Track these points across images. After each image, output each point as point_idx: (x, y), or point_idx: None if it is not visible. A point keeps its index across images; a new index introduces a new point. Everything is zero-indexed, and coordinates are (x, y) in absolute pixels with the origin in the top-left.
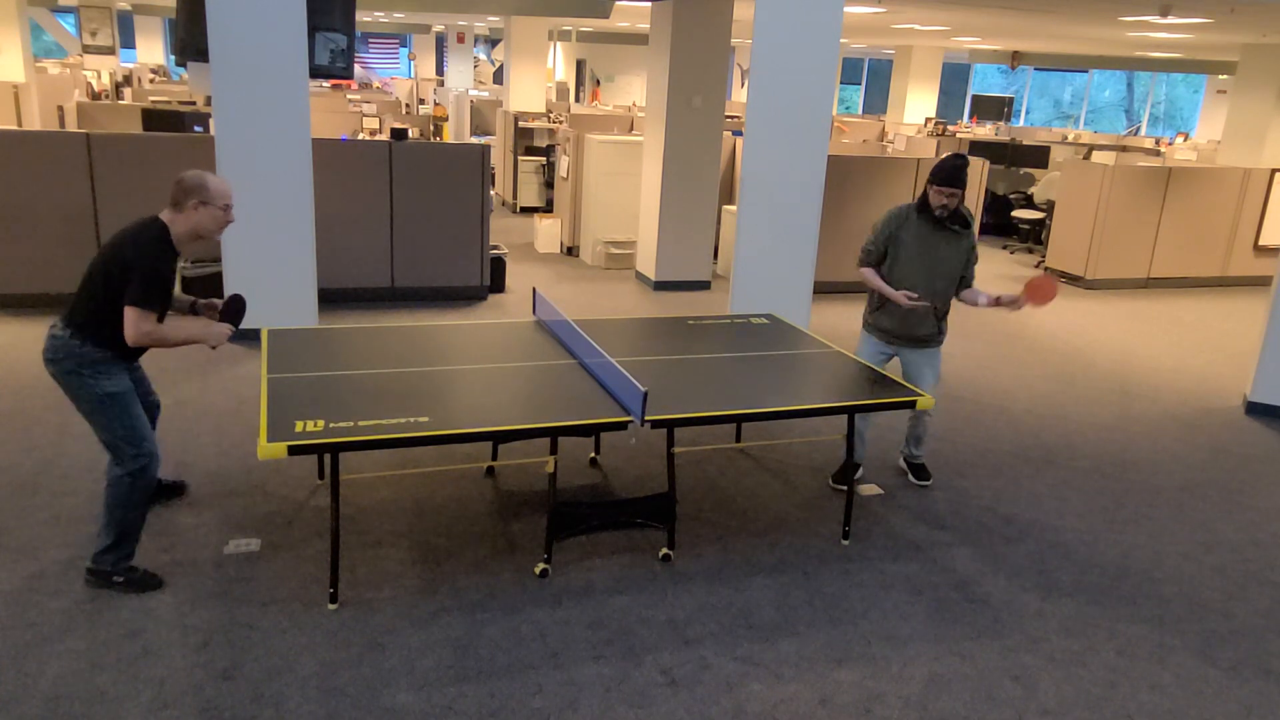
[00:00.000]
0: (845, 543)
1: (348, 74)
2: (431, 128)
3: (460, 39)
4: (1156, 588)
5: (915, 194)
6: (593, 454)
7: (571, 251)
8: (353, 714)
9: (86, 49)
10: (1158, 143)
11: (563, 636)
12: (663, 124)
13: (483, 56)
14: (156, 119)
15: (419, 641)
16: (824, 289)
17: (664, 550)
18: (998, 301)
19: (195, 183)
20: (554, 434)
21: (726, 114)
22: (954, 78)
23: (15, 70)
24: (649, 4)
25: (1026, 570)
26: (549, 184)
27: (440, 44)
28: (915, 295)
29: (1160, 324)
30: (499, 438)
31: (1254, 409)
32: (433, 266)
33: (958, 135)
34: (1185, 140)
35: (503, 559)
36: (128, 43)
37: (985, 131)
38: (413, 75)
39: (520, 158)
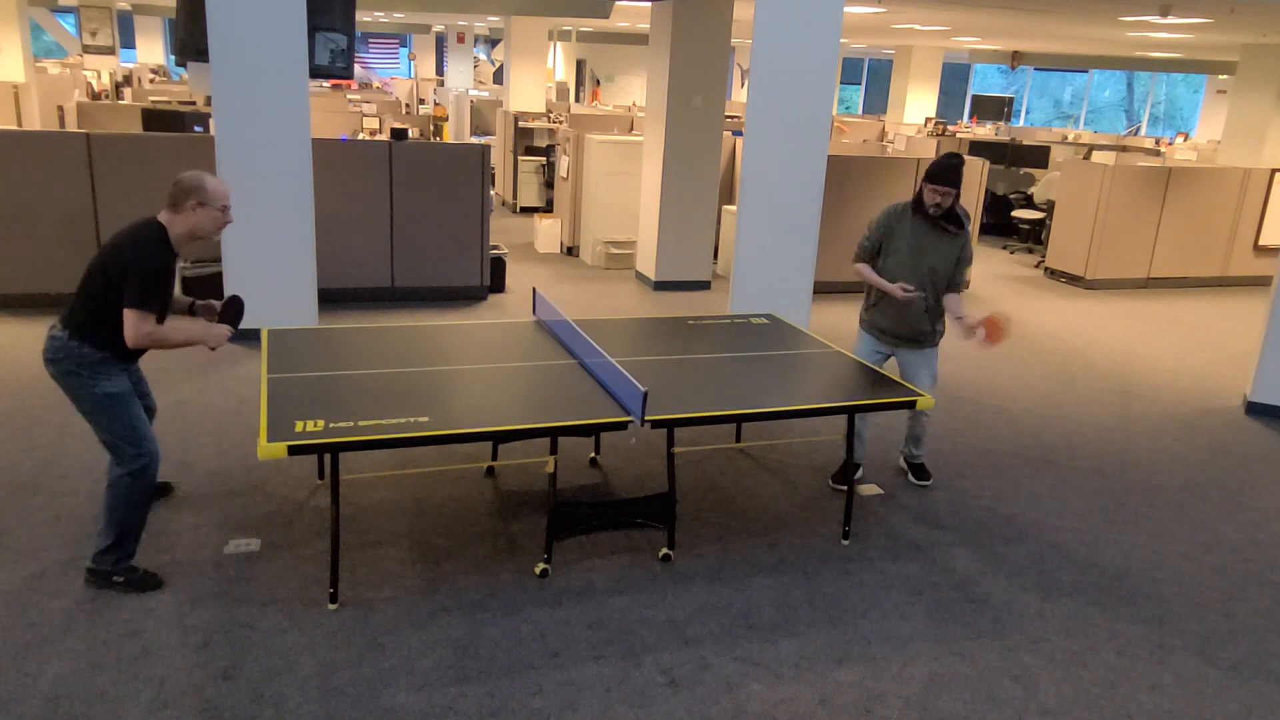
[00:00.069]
0: (845, 543)
1: (348, 74)
2: (431, 128)
3: (460, 39)
4: (1156, 588)
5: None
6: (593, 454)
7: (571, 251)
8: (353, 714)
9: (86, 49)
10: (1158, 143)
11: (563, 636)
12: (663, 124)
13: (483, 56)
14: (156, 119)
15: (419, 641)
16: (824, 289)
17: (664, 550)
18: (959, 320)
19: (193, 184)
20: (554, 434)
21: (726, 114)
22: (954, 78)
23: (15, 70)
24: (649, 4)
25: (1026, 570)
26: (549, 184)
27: (440, 44)
28: (910, 287)
29: (1160, 324)
30: (499, 438)
31: (1254, 409)
32: (433, 266)
33: (958, 135)
34: (1185, 140)
35: (503, 559)
36: (128, 43)
37: (985, 131)
38: (413, 75)
39: (520, 158)
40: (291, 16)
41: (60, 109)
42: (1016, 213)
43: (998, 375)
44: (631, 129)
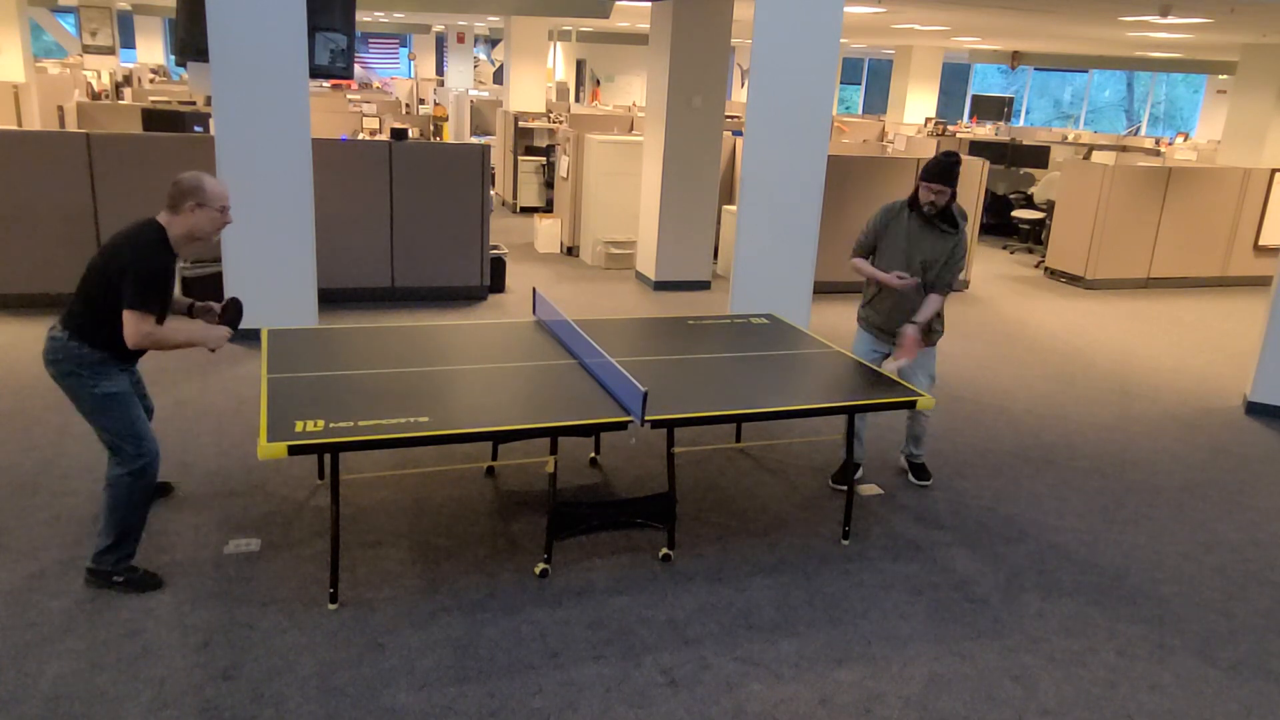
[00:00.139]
0: (845, 543)
1: (348, 74)
2: (431, 128)
3: (460, 39)
4: (1156, 588)
5: None
6: (593, 454)
7: (571, 251)
8: (353, 714)
9: (86, 49)
10: (1158, 143)
11: (563, 636)
12: (663, 124)
13: (483, 56)
14: (156, 119)
15: (419, 641)
16: (824, 289)
17: (664, 550)
18: (913, 323)
19: (192, 184)
20: (554, 434)
21: (726, 114)
22: (954, 78)
23: (15, 70)
24: (649, 4)
25: (1026, 570)
26: (549, 184)
27: (440, 44)
28: (905, 275)
29: (1160, 324)
30: (499, 438)
31: (1254, 409)
32: (433, 266)
33: (958, 135)
34: (1185, 140)
35: (503, 559)
36: (128, 43)
37: (985, 131)
38: (413, 75)
39: (520, 158)
40: (291, 16)
41: (60, 109)
42: (1016, 213)
43: (998, 375)
44: (631, 129)
